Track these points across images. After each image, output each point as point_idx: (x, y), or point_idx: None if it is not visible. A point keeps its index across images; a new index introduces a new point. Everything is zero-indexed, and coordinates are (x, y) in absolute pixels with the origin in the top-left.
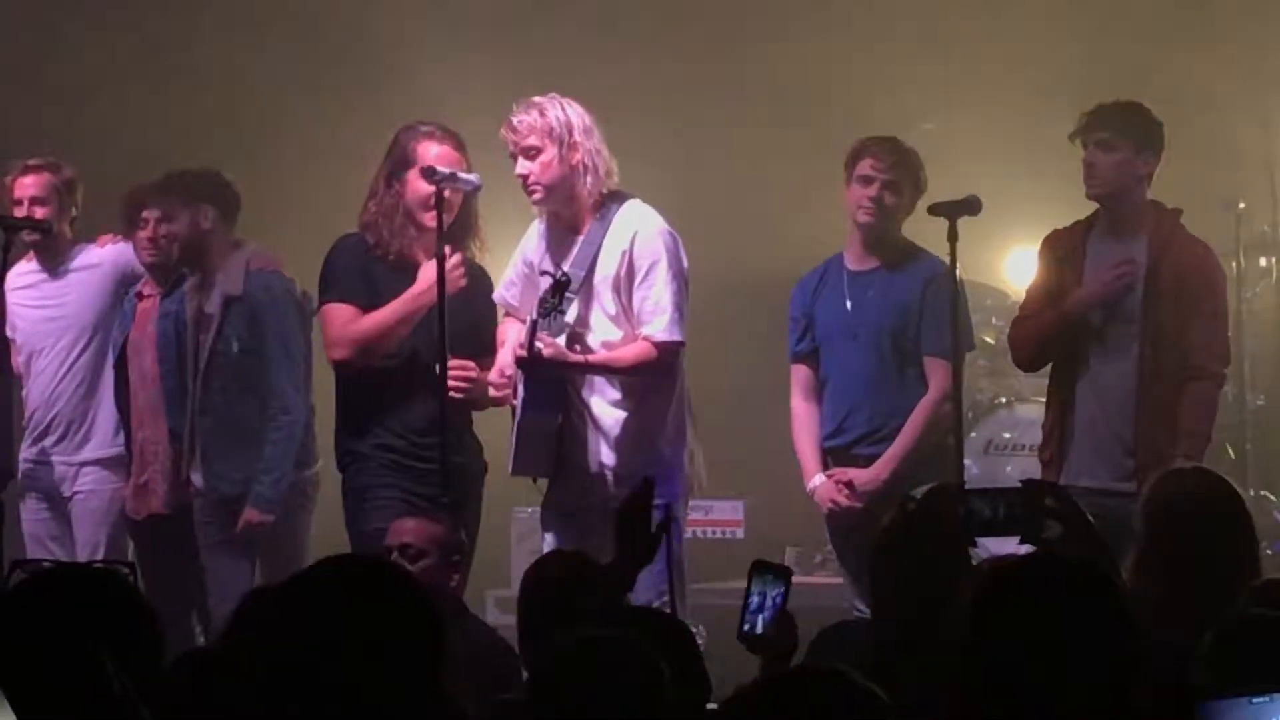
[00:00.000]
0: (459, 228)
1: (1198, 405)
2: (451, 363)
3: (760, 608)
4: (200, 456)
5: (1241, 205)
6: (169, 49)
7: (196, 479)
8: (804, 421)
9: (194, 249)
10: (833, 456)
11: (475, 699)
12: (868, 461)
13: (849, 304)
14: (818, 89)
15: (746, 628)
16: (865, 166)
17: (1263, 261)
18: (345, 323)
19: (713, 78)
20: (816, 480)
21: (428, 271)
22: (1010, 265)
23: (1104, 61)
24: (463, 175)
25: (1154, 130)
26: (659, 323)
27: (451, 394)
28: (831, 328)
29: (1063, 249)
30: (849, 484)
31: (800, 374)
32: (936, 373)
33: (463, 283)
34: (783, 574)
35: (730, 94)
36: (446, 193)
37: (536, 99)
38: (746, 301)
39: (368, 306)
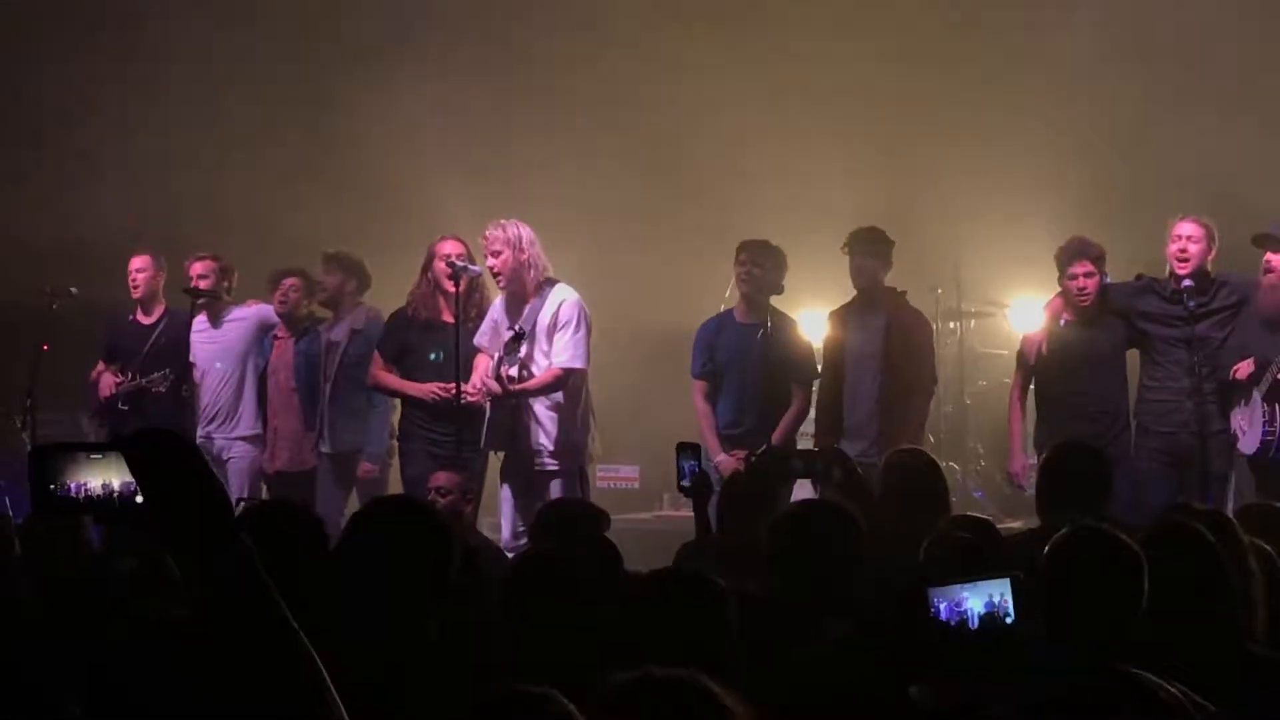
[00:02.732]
0: (467, 296)
1: (915, 408)
2: (457, 384)
3: (685, 473)
4: (330, 429)
5: (939, 290)
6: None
7: (324, 445)
8: (707, 418)
9: (335, 301)
10: (730, 440)
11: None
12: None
13: (743, 345)
14: (706, 202)
15: (684, 483)
16: (744, 258)
17: (952, 325)
18: (377, 368)
19: (634, 198)
20: (722, 456)
21: (419, 388)
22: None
23: (878, 192)
24: (471, 267)
25: (890, 245)
26: (562, 357)
27: (465, 398)
28: (730, 359)
29: (837, 321)
30: (747, 458)
31: (701, 386)
32: (798, 393)
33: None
34: (693, 449)
35: (644, 207)
36: (459, 277)
37: (502, 220)
38: (649, 345)
39: (394, 353)
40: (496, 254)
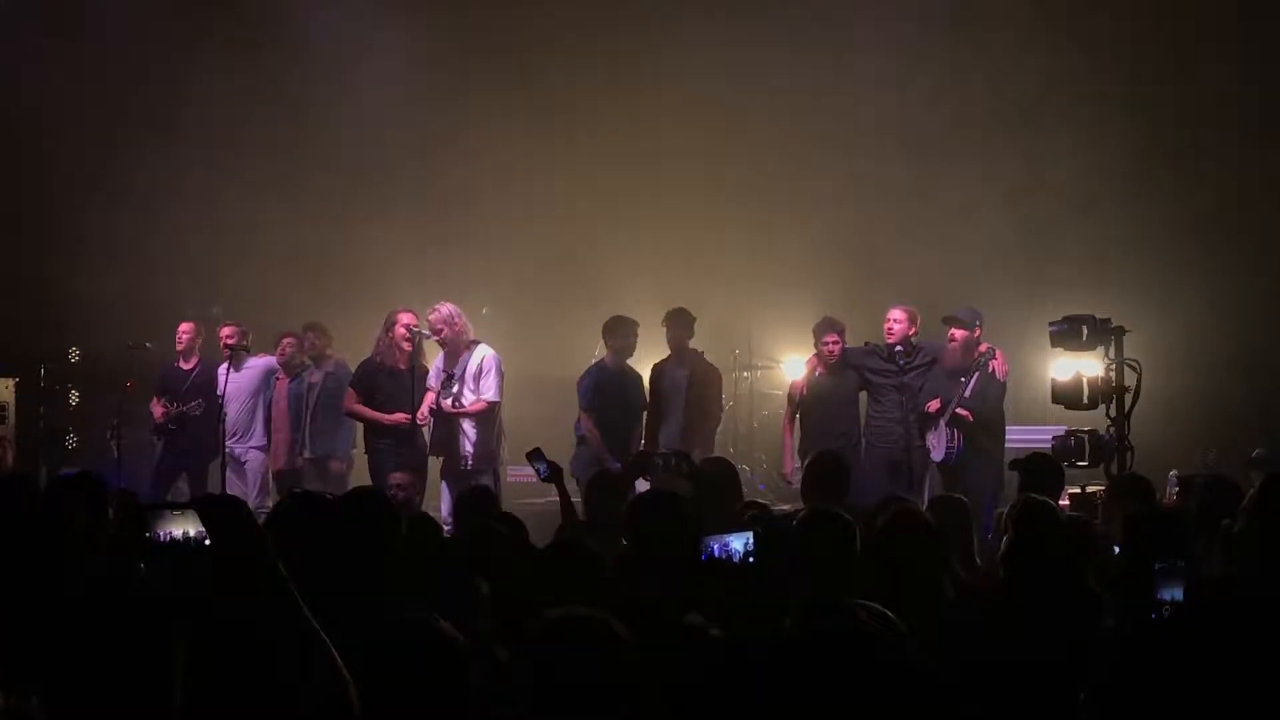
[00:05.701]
0: (416, 352)
1: (708, 428)
2: (406, 414)
3: (541, 472)
4: (310, 441)
5: (736, 352)
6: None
7: (306, 452)
8: (596, 435)
9: (319, 355)
10: (612, 452)
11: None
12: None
13: (620, 387)
14: (578, 289)
15: (544, 476)
16: (609, 331)
17: (745, 374)
18: (351, 400)
19: (529, 284)
20: (614, 463)
21: (393, 417)
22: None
23: (696, 284)
24: (424, 332)
25: (692, 320)
26: (486, 394)
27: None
28: (607, 396)
29: (658, 370)
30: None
31: (590, 417)
32: (652, 419)
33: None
34: (537, 453)
35: (534, 289)
36: (417, 340)
37: (436, 305)
38: (541, 382)
39: (366, 391)
40: (438, 331)
